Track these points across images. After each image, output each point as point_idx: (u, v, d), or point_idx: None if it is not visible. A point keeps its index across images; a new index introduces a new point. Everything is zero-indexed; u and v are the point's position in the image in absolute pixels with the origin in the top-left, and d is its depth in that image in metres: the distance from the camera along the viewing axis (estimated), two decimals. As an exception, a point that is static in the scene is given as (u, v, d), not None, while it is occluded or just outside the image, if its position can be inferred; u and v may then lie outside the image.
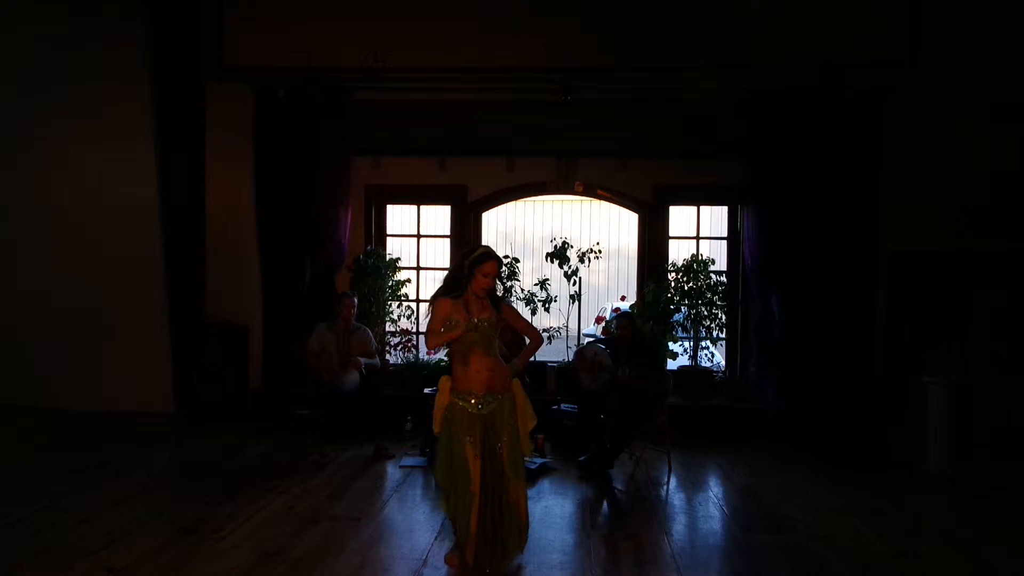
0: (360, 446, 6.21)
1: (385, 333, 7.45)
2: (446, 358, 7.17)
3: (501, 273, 3.94)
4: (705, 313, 7.10)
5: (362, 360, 6.48)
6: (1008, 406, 5.70)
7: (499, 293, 3.94)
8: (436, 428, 3.85)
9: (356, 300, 6.65)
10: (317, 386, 6.41)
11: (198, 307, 7.34)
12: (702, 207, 7.66)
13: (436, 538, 4.20)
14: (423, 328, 7.69)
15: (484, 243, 7.73)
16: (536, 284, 7.29)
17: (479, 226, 7.71)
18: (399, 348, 7.37)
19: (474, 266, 3.75)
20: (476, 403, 3.74)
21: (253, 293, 7.37)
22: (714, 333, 7.30)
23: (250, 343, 7.34)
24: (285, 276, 7.28)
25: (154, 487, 5.09)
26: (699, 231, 7.60)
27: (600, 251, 7.29)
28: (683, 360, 7.37)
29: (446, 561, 3.84)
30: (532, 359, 4.20)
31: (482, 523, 3.67)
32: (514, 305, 6.02)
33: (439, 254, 8.18)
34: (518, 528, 3.83)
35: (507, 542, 3.77)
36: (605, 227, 13.88)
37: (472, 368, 3.74)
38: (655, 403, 5.68)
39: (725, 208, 7.65)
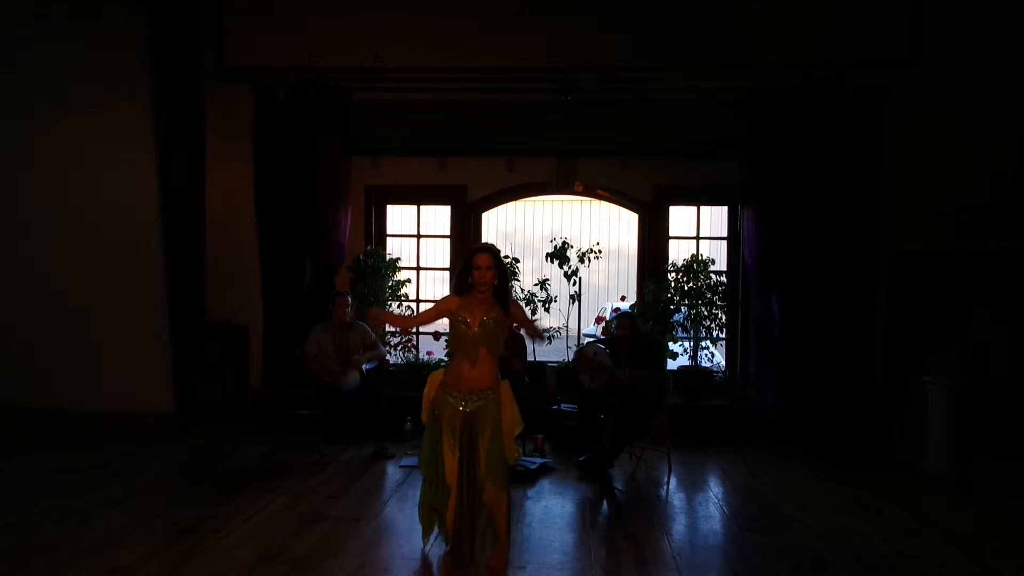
0: (360, 446, 6.21)
1: (385, 333, 7.45)
2: (446, 358, 7.18)
3: (513, 269, 3.94)
4: (705, 313, 7.10)
5: (365, 358, 6.46)
6: (1008, 406, 5.70)
7: (509, 289, 3.90)
8: (424, 417, 3.88)
9: (350, 299, 6.64)
10: (317, 386, 6.40)
11: (198, 307, 7.34)
12: (702, 207, 7.66)
13: (436, 538, 4.20)
14: (423, 328, 7.70)
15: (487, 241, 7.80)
16: (536, 284, 7.29)
17: (479, 226, 7.71)
18: (399, 348, 7.37)
19: (469, 260, 3.77)
20: (461, 399, 3.74)
21: (253, 293, 7.37)
22: (714, 333, 7.29)
23: (250, 343, 7.34)
24: (285, 276, 7.28)
25: (154, 487, 5.10)
26: (699, 231, 7.60)
27: (600, 251, 7.29)
28: (683, 360, 7.37)
29: (443, 563, 3.85)
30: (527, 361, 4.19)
31: (458, 519, 3.68)
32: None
33: (439, 254, 8.19)
34: (492, 532, 3.78)
35: (476, 545, 3.76)
36: (605, 227, 13.87)
37: (464, 365, 3.74)
38: (655, 403, 5.68)
39: (725, 208, 7.65)
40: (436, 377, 3.89)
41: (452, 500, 3.71)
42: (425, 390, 3.90)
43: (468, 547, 3.73)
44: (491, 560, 3.80)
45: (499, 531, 3.78)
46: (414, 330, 7.64)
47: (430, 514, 3.94)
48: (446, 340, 7.15)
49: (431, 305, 3.99)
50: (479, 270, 3.72)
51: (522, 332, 5.15)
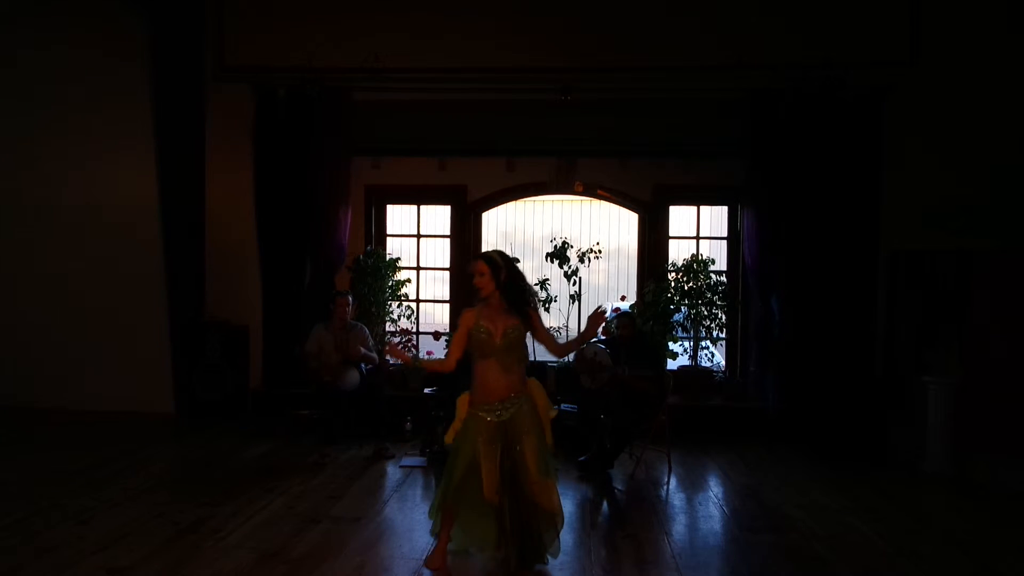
0: (360, 446, 6.21)
1: (385, 333, 7.45)
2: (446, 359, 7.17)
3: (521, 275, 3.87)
4: (705, 313, 7.10)
5: (361, 357, 6.47)
6: (1008, 406, 5.70)
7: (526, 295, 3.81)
8: (449, 439, 3.81)
9: (351, 299, 6.65)
10: (317, 386, 6.41)
11: (198, 307, 7.34)
12: (702, 207, 7.66)
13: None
14: (423, 328, 7.73)
15: (483, 244, 7.80)
16: (536, 284, 7.28)
17: (479, 226, 7.71)
18: (399, 348, 7.35)
19: (470, 268, 3.80)
20: (494, 411, 3.68)
21: (253, 293, 7.37)
22: (714, 333, 7.29)
23: (250, 343, 7.34)
24: (285, 276, 7.27)
25: (154, 487, 5.09)
26: (699, 231, 7.60)
27: (600, 251, 7.28)
28: (683, 360, 7.37)
29: (428, 565, 3.82)
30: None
31: (514, 525, 3.62)
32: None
33: (439, 254, 8.18)
34: (553, 526, 3.77)
35: (542, 540, 3.74)
36: (605, 227, 13.84)
37: (491, 376, 3.69)
38: (655, 403, 5.68)
39: (725, 208, 7.64)
40: (465, 399, 3.81)
41: (503, 509, 3.61)
42: (456, 415, 3.82)
43: (533, 548, 3.70)
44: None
45: (557, 522, 3.77)
46: (414, 330, 7.63)
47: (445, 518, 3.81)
48: (446, 340, 7.21)
49: (455, 333, 3.88)
50: (474, 277, 3.76)
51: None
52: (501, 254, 3.80)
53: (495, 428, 3.67)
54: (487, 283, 3.72)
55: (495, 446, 3.65)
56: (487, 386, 3.70)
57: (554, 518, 3.77)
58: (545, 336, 3.87)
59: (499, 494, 3.62)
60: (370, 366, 6.62)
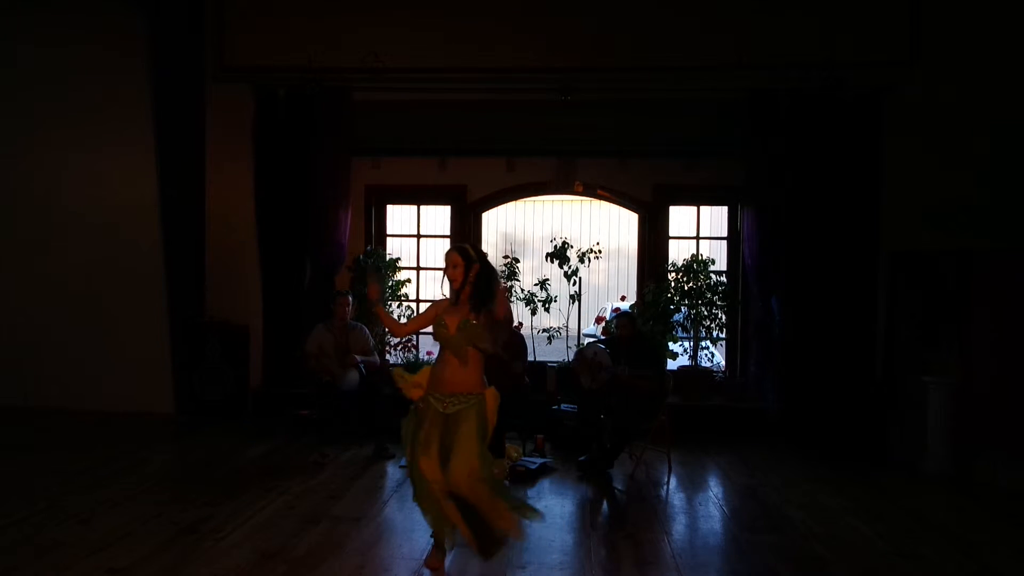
0: (360, 446, 6.21)
1: (385, 333, 7.45)
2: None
3: (513, 270, 3.88)
4: (705, 313, 7.10)
5: (359, 358, 6.47)
6: (1008, 406, 5.69)
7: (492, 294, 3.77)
8: (414, 396, 3.84)
9: (351, 299, 6.66)
10: (317, 386, 6.40)
11: (198, 307, 7.35)
12: (702, 207, 7.66)
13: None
14: (424, 328, 7.71)
15: (483, 244, 7.81)
16: (536, 284, 7.29)
17: (479, 226, 7.71)
18: (399, 348, 7.37)
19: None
20: (442, 401, 3.71)
21: (253, 293, 7.37)
22: (714, 333, 7.29)
23: (250, 343, 7.34)
24: (285, 276, 7.28)
25: (154, 487, 5.09)
26: (699, 231, 7.60)
27: (600, 251, 7.29)
28: (683, 360, 7.37)
29: (427, 565, 3.83)
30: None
31: (466, 517, 3.61)
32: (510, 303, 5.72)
33: (439, 254, 8.17)
34: (507, 538, 3.71)
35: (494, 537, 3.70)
36: (605, 227, 13.89)
37: (446, 368, 3.73)
38: (655, 402, 5.68)
39: (725, 208, 7.64)
40: (425, 375, 3.85)
41: (446, 499, 3.60)
42: (417, 376, 3.85)
43: (493, 538, 3.67)
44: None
45: (509, 532, 3.68)
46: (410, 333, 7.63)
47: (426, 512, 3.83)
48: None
49: (422, 313, 3.95)
50: (446, 268, 3.77)
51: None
52: (476, 248, 3.82)
53: (438, 419, 3.69)
54: (459, 275, 3.74)
55: (435, 437, 3.65)
56: (440, 376, 3.75)
57: (508, 534, 3.67)
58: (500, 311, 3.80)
59: (435, 478, 3.59)
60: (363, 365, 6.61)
